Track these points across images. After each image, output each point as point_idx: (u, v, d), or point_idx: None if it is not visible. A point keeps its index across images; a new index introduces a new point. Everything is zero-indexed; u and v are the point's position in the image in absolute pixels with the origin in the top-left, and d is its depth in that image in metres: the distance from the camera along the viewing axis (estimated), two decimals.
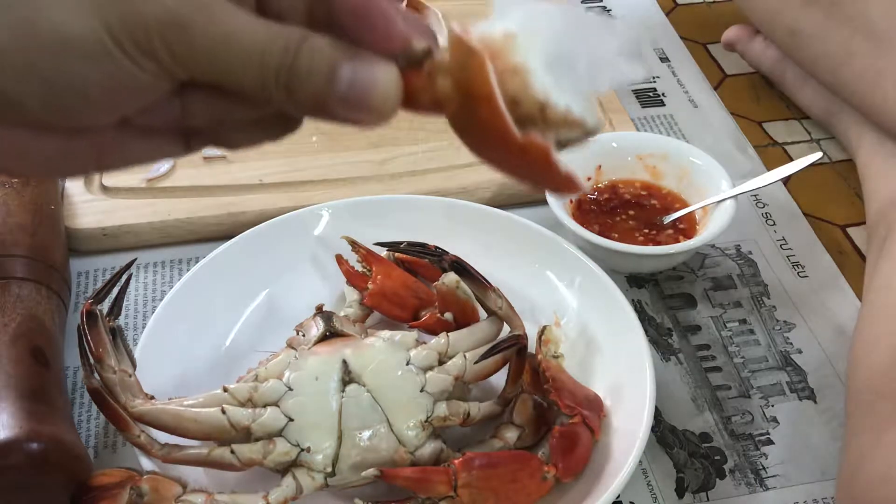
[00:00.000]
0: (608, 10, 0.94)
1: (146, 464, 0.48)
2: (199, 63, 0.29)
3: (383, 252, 0.60)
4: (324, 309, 0.55)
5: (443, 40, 0.32)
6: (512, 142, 0.30)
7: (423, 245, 0.57)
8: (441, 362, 0.51)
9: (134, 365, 0.50)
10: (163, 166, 0.68)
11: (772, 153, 0.78)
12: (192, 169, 0.69)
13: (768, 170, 0.71)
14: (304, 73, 0.30)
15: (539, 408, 0.52)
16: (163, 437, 0.48)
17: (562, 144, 0.32)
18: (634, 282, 0.66)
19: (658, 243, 0.64)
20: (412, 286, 0.59)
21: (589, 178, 0.68)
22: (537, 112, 0.30)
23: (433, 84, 0.31)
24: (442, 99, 0.31)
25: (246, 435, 0.48)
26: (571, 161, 0.31)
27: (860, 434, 0.50)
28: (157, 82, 0.30)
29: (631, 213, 0.67)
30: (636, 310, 0.57)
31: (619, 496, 0.49)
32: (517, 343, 0.52)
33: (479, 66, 0.30)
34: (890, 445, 0.47)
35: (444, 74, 0.31)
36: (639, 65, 0.31)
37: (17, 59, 0.28)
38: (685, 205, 0.67)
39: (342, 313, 0.56)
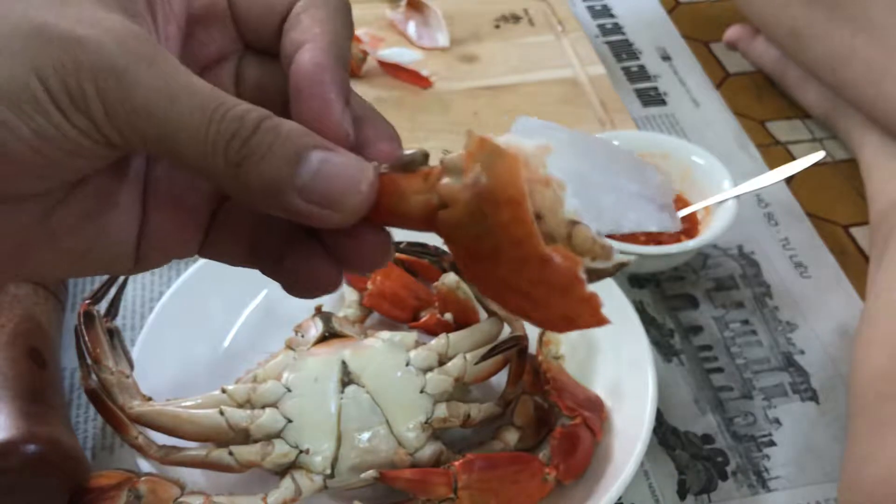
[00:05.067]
0: (610, 10, 0.94)
1: (144, 465, 0.48)
2: (135, 121, 0.25)
3: None
4: (323, 309, 0.55)
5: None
6: (533, 252, 0.26)
7: (423, 245, 0.57)
8: (441, 363, 0.51)
9: (131, 366, 0.50)
10: None
11: (774, 152, 0.77)
12: None
13: (770, 169, 0.70)
14: (263, 150, 0.26)
15: (540, 409, 0.52)
16: (161, 438, 0.48)
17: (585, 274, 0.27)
18: (636, 282, 0.66)
19: (660, 243, 0.64)
20: (412, 287, 0.58)
21: None
22: (563, 232, 0.27)
23: (430, 185, 0.28)
24: (445, 198, 0.27)
25: (244, 436, 0.48)
26: None
27: (863, 436, 0.49)
28: (92, 146, 0.26)
29: None
30: (637, 310, 0.57)
31: (620, 498, 0.49)
32: (518, 344, 0.51)
33: (511, 167, 0.26)
34: (893, 447, 0.47)
35: (454, 173, 0.27)
36: (669, 216, 0.28)
37: None
38: (687, 204, 0.67)
39: (341, 314, 0.56)
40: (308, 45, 0.29)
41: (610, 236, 0.62)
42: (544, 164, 0.27)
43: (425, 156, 0.29)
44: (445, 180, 0.28)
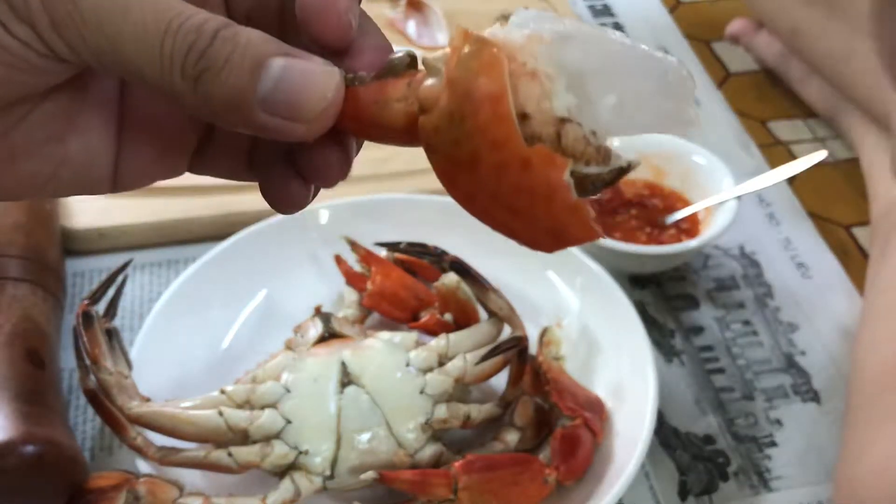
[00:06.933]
0: (611, 9, 0.93)
1: (143, 466, 0.48)
2: (85, 35, 0.24)
3: (383, 252, 0.60)
4: (322, 310, 0.55)
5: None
6: (513, 154, 0.24)
7: (423, 245, 0.56)
8: (441, 364, 0.51)
9: (130, 366, 0.50)
10: None
11: (776, 152, 0.77)
12: None
13: (772, 169, 0.70)
14: (221, 62, 0.24)
15: (540, 410, 0.52)
16: (159, 439, 0.48)
17: (577, 182, 0.24)
18: (637, 282, 0.65)
19: (661, 243, 0.64)
20: (412, 287, 0.58)
21: None
22: (552, 131, 0.24)
23: (413, 90, 0.25)
24: (425, 102, 0.25)
25: (243, 437, 0.48)
26: None
27: (861, 426, 0.50)
28: (38, 60, 0.24)
29: (633, 212, 0.66)
30: (638, 311, 0.57)
31: (621, 499, 0.48)
32: (518, 344, 0.51)
33: (492, 59, 0.24)
34: (891, 436, 0.47)
35: (436, 71, 0.25)
36: (684, 117, 0.24)
37: None
38: (688, 204, 0.66)
39: (341, 314, 0.56)
40: None
41: (611, 235, 0.62)
42: (535, 55, 0.24)
43: (412, 58, 0.26)
44: (427, 82, 0.25)
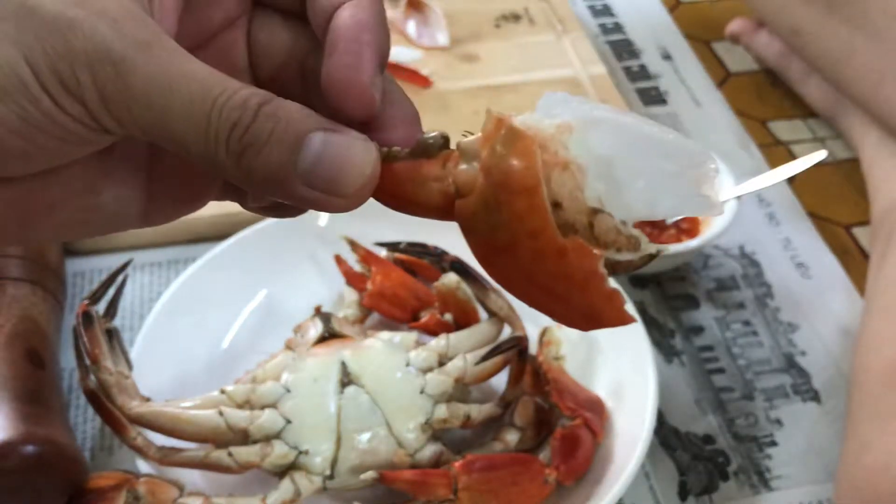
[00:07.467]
0: (611, 9, 0.93)
1: (143, 466, 0.48)
2: (133, 111, 0.24)
3: (383, 252, 0.60)
4: (322, 310, 0.55)
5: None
6: (549, 244, 0.25)
7: (423, 245, 0.56)
8: (441, 364, 0.51)
9: (130, 366, 0.50)
10: None
11: (775, 152, 0.77)
12: None
13: (772, 169, 0.70)
14: (264, 138, 0.25)
15: (540, 410, 0.52)
16: (160, 439, 0.48)
17: (609, 267, 0.25)
18: (637, 282, 0.65)
19: (661, 243, 0.64)
20: (411, 287, 0.58)
21: None
22: (584, 220, 0.25)
23: (449, 171, 0.26)
24: (461, 187, 0.26)
25: (243, 437, 0.48)
26: None
27: (863, 424, 0.50)
28: (86, 132, 0.25)
29: None
30: (638, 311, 0.57)
31: (621, 499, 0.48)
32: (518, 345, 0.51)
33: (526, 151, 0.25)
34: (893, 435, 0.47)
35: (470, 158, 0.26)
36: (709, 200, 0.25)
37: None
38: None
39: (341, 314, 0.56)
40: (350, 2, 0.27)
41: None
42: (565, 145, 0.25)
43: (445, 139, 0.27)
44: (461, 166, 0.26)
